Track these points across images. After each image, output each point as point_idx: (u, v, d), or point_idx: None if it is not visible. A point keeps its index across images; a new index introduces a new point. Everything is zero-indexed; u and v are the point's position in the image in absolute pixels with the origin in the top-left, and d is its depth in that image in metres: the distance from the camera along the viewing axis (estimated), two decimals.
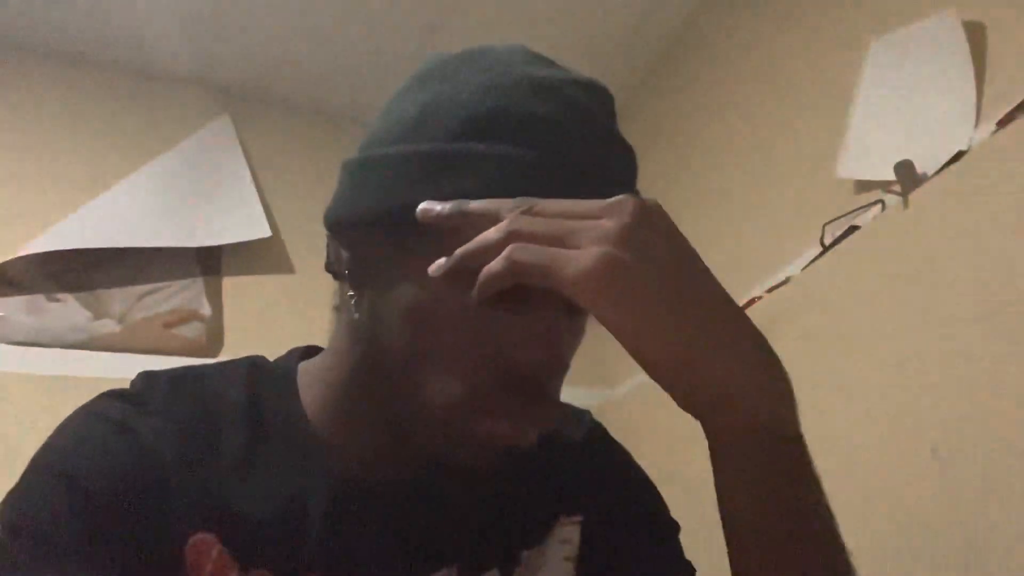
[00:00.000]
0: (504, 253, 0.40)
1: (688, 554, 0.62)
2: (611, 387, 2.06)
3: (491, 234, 0.41)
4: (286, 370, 0.55)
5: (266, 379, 0.54)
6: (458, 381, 0.45)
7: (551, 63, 0.51)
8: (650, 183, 2.08)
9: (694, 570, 0.61)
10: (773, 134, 1.70)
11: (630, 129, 2.06)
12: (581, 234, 0.39)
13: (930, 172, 1.25)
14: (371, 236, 0.48)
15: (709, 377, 0.40)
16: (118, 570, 0.43)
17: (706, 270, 0.42)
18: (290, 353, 0.58)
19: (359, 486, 0.50)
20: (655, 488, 0.65)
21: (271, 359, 0.58)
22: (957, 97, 1.28)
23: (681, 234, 0.42)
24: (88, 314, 1.64)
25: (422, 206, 0.43)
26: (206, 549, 0.46)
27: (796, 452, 0.43)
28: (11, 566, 0.42)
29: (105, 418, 0.48)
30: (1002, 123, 1.16)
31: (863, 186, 1.42)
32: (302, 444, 0.51)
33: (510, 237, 0.40)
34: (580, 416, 0.66)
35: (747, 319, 0.42)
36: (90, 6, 1.77)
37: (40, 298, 1.61)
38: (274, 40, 1.94)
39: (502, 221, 0.41)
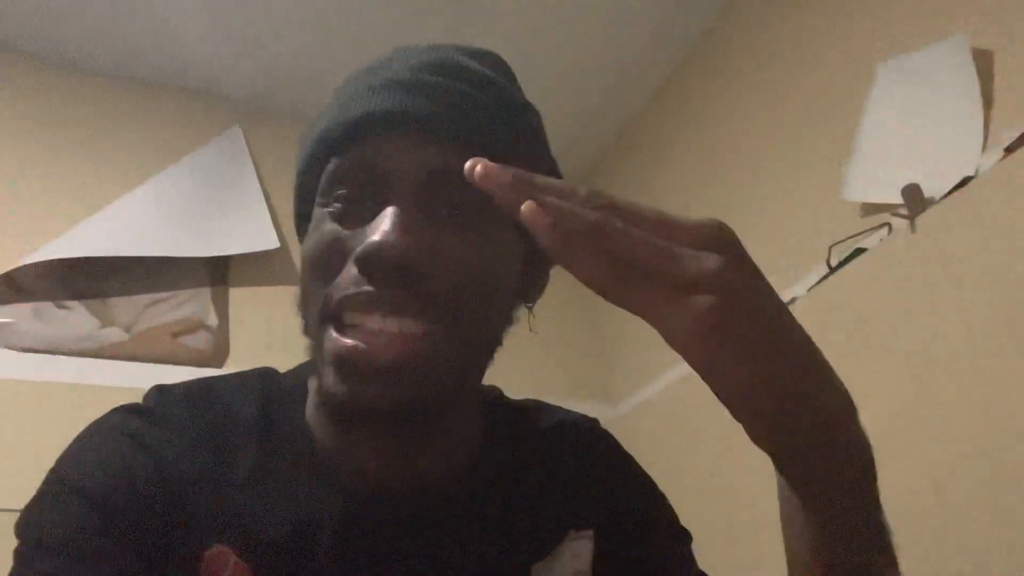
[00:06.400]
0: (599, 247, 0.36)
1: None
2: (613, 404, 2.06)
3: (588, 213, 0.37)
4: (296, 385, 0.56)
5: (277, 394, 0.54)
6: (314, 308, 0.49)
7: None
8: (656, 204, 2.08)
9: None
10: (780, 155, 1.71)
11: (637, 148, 2.05)
12: (682, 267, 0.36)
13: (937, 196, 1.25)
14: None
15: (812, 422, 0.39)
16: None
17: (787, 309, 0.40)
18: (303, 366, 0.58)
19: (365, 502, 0.50)
20: (665, 498, 0.65)
21: (286, 368, 0.58)
22: (965, 122, 1.28)
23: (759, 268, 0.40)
24: (96, 322, 1.65)
25: (483, 168, 0.39)
26: (222, 561, 0.46)
27: (873, 498, 0.43)
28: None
29: (119, 431, 0.49)
30: (1010, 149, 1.16)
31: (870, 209, 1.43)
32: (308, 460, 0.51)
33: (600, 231, 0.36)
34: (587, 424, 0.65)
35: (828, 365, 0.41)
36: (105, 18, 1.79)
37: (48, 305, 1.62)
38: (285, 53, 1.96)
39: (575, 202, 0.37)
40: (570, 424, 0.64)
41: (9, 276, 1.60)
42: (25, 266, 1.61)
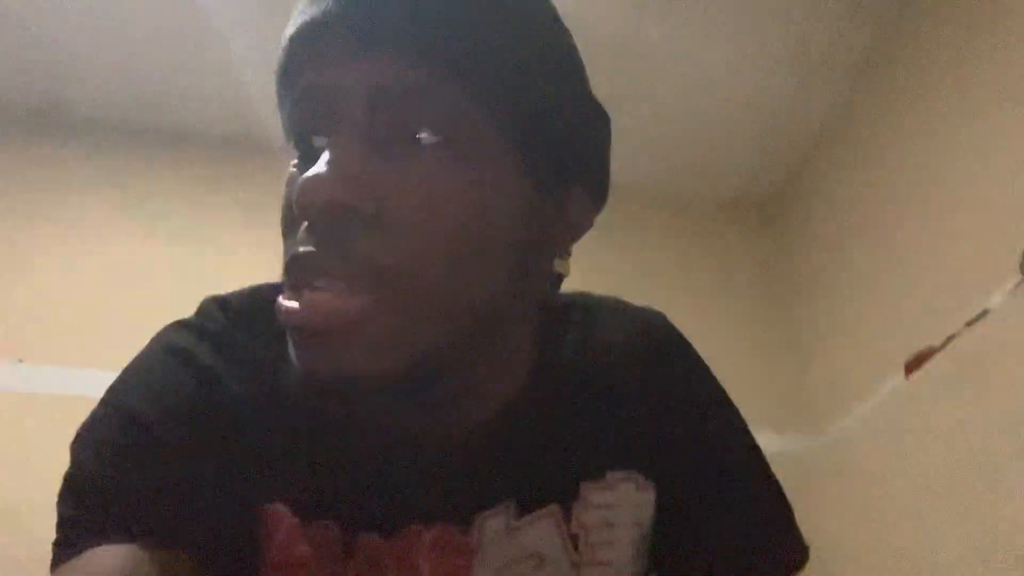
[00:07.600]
0: None
1: None
2: (815, 432, 1.84)
3: None
4: None
5: None
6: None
7: None
8: (848, 207, 1.90)
9: (802, 547, 0.53)
10: (967, 148, 1.54)
11: (831, 148, 1.88)
12: None
13: None
14: None
15: None
16: (191, 521, 0.41)
17: None
18: None
19: (406, 436, 0.47)
20: (737, 417, 0.56)
21: None
22: None
23: None
24: None
25: None
26: (277, 521, 0.45)
27: None
28: (76, 504, 0.41)
29: (171, 352, 0.46)
30: None
31: None
32: (355, 420, 0.47)
33: None
34: (648, 318, 0.56)
35: None
36: None
37: None
38: None
39: None
40: (634, 335, 0.54)
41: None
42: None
